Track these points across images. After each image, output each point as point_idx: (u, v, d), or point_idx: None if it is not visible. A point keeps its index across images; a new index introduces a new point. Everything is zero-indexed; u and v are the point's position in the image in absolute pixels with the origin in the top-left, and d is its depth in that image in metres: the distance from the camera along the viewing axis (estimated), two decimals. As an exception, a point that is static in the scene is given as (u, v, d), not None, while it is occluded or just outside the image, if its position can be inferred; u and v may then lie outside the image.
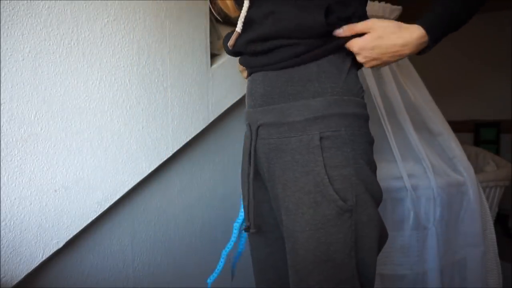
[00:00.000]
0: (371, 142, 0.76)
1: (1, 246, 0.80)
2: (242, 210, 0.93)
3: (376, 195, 0.73)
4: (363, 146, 0.73)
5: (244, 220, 0.91)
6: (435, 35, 0.69)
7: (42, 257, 0.87)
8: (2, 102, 0.79)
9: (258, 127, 0.78)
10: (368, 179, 0.71)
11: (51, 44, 0.86)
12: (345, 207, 0.68)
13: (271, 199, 0.80)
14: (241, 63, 0.87)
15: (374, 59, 0.72)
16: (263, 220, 0.85)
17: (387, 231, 0.77)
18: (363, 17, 0.75)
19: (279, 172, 0.74)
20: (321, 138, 0.69)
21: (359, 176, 0.69)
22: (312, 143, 0.69)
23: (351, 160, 0.69)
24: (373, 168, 0.75)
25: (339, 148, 0.69)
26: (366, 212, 0.70)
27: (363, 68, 0.82)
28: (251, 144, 0.79)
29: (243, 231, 0.82)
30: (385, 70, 1.52)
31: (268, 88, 0.76)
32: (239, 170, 0.88)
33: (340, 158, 0.69)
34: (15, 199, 0.82)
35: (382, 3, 1.48)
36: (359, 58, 0.73)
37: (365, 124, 0.75)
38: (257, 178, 0.83)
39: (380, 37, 0.70)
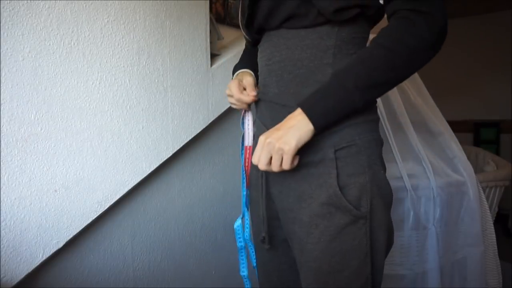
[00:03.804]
0: (381, 144, 0.76)
1: (1, 246, 0.80)
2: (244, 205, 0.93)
3: (387, 198, 0.73)
4: (376, 150, 0.72)
5: (245, 214, 0.91)
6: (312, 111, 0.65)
7: (42, 257, 0.87)
8: (2, 102, 0.79)
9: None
10: (381, 183, 0.71)
11: (51, 44, 0.86)
12: (359, 215, 0.67)
13: (279, 210, 0.80)
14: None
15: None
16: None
17: (393, 236, 0.76)
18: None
19: (294, 185, 0.73)
20: (335, 151, 0.69)
21: (373, 181, 0.69)
22: (327, 156, 0.69)
23: (366, 167, 0.69)
24: (384, 169, 0.75)
25: (354, 157, 0.69)
26: (377, 217, 0.70)
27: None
28: None
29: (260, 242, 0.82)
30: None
31: (282, 88, 0.75)
32: (239, 170, 0.88)
33: (356, 166, 0.69)
34: (15, 199, 0.82)
35: (382, 3, 1.48)
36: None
37: (376, 128, 0.75)
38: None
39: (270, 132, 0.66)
